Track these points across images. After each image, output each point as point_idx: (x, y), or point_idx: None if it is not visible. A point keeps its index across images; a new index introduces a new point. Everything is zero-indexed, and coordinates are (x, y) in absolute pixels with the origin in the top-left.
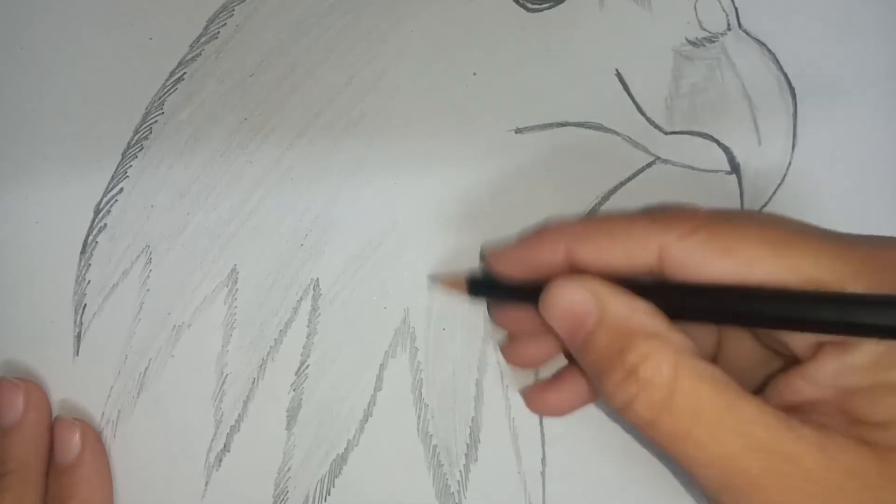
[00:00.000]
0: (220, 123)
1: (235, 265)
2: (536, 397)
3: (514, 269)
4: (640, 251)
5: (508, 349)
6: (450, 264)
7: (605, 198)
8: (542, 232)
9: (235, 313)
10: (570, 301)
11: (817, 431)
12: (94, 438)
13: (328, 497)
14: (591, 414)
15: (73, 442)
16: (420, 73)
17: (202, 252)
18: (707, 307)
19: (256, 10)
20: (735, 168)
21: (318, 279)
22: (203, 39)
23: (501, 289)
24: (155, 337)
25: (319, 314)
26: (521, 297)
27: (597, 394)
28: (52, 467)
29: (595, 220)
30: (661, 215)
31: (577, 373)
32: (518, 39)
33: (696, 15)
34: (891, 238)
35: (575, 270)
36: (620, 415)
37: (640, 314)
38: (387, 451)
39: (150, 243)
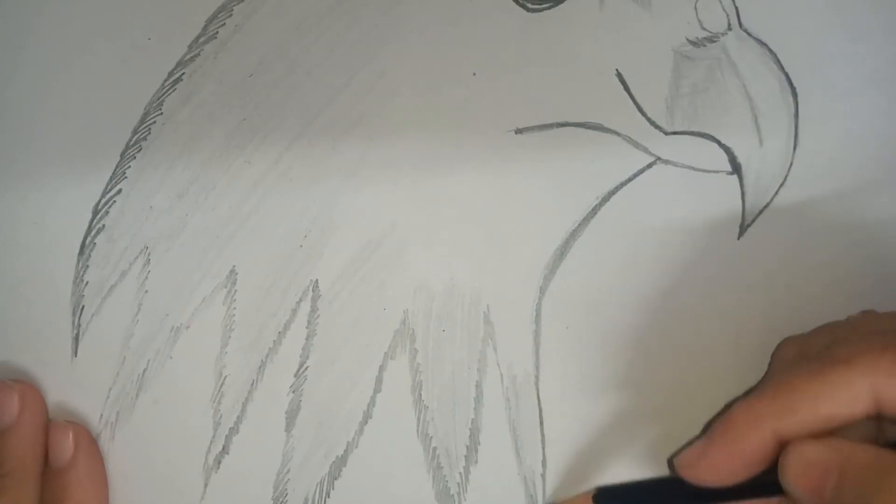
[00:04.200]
0: (219, 124)
1: (234, 266)
2: None
3: (722, 477)
4: (852, 404)
5: None
6: (450, 265)
7: (605, 198)
8: (738, 424)
9: (234, 314)
10: (811, 456)
11: None
12: (88, 441)
13: (327, 499)
14: (591, 415)
15: (65, 444)
16: (420, 74)
17: (201, 253)
18: None
19: (255, 10)
20: (736, 168)
21: (317, 280)
22: (202, 40)
23: (648, 499)
24: (153, 338)
25: (318, 315)
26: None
27: None
28: (46, 469)
29: (786, 388)
30: (854, 357)
31: None
32: (518, 39)
33: (697, 15)
34: None
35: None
36: None
37: (888, 453)
38: (386, 453)
39: (149, 244)
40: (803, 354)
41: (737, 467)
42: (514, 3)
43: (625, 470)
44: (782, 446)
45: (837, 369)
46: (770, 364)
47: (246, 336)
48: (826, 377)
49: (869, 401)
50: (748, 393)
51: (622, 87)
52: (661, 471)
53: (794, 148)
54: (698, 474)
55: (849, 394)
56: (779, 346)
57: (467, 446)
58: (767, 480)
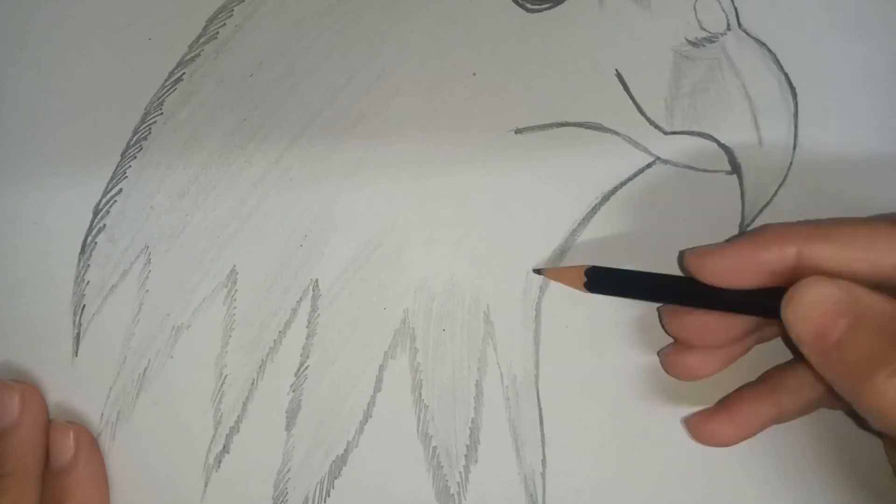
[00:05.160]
0: (219, 124)
1: (234, 266)
2: (704, 427)
3: (727, 276)
4: (886, 257)
5: (672, 359)
6: (450, 265)
7: (605, 198)
8: (768, 234)
9: (235, 314)
10: (824, 298)
11: None
12: (89, 441)
13: (327, 498)
14: (591, 414)
15: (66, 445)
16: (419, 74)
17: (201, 253)
18: None
19: (256, 10)
20: (736, 168)
21: (317, 280)
22: (202, 40)
23: (638, 286)
24: (154, 338)
25: (319, 315)
26: (685, 299)
27: (789, 415)
28: (46, 470)
29: (829, 222)
30: None
31: (750, 399)
32: (518, 39)
33: (696, 15)
34: None
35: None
36: (883, 421)
37: None
38: (386, 453)
39: (150, 244)
40: None
41: (745, 272)
42: (513, 3)
43: (625, 469)
44: (797, 276)
45: (885, 224)
46: None
47: (246, 335)
48: (873, 226)
49: None
50: None
51: (622, 86)
52: None
53: (794, 148)
54: (703, 268)
55: (888, 245)
56: None
57: (467, 445)
58: (760, 304)
